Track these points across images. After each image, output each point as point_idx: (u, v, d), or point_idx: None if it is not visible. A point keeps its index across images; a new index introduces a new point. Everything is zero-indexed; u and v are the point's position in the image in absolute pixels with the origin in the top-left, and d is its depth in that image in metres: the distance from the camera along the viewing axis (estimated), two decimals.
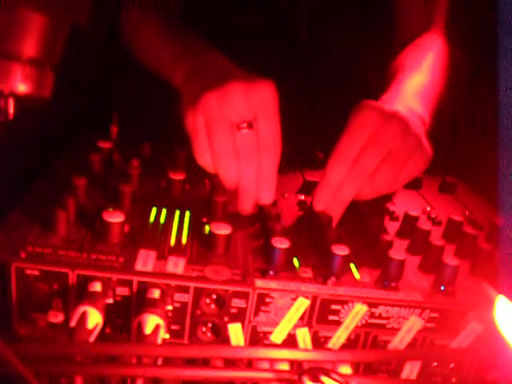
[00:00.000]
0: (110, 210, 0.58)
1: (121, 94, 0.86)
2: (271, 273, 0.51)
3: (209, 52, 0.70)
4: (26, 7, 0.33)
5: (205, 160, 0.59)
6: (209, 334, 0.51)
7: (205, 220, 0.60)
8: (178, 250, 0.54)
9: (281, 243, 0.52)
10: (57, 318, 0.48)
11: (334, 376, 0.41)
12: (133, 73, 0.85)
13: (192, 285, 0.49)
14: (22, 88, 0.36)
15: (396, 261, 0.53)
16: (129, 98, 0.87)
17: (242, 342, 0.51)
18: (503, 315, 0.46)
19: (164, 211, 0.61)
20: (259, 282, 0.50)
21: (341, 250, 0.53)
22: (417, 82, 0.76)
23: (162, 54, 0.76)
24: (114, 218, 0.53)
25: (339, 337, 0.52)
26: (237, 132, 0.56)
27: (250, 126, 0.56)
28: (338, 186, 0.59)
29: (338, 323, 0.51)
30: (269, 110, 0.57)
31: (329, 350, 0.51)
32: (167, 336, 0.47)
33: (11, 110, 0.41)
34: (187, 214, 0.61)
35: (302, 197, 0.69)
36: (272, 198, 0.60)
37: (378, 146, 0.59)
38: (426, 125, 0.68)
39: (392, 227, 0.66)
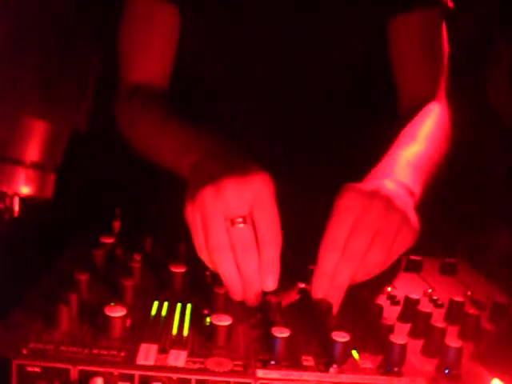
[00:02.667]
0: (112, 304, 0.59)
1: (122, 189, 0.89)
2: (272, 362, 0.51)
3: (212, 141, 0.71)
4: (29, 115, 0.36)
5: (204, 255, 0.60)
6: None
7: (206, 312, 0.60)
8: (180, 342, 0.54)
9: (281, 332, 0.53)
10: None
11: None
12: (133, 167, 0.88)
13: (193, 377, 0.49)
14: (25, 190, 0.38)
15: (397, 345, 0.53)
16: (130, 193, 0.89)
17: None
18: None
19: (166, 304, 0.62)
20: (260, 373, 0.50)
21: (341, 337, 0.53)
22: (409, 153, 0.76)
23: (165, 147, 0.78)
24: (116, 312, 0.53)
25: None
26: (231, 227, 0.57)
27: (244, 220, 0.58)
28: (333, 273, 0.60)
29: None
30: (263, 203, 0.59)
31: None
32: None
33: (16, 208, 0.43)
34: (189, 306, 0.62)
35: (303, 285, 0.70)
36: (275, 285, 0.61)
37: (365, 228, 0.60)
38: (414, 195, 0.69)
39: (393, 311, 0.66)
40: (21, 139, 0.37)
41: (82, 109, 0.40)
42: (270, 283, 0.60)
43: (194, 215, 0.60)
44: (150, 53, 0.88)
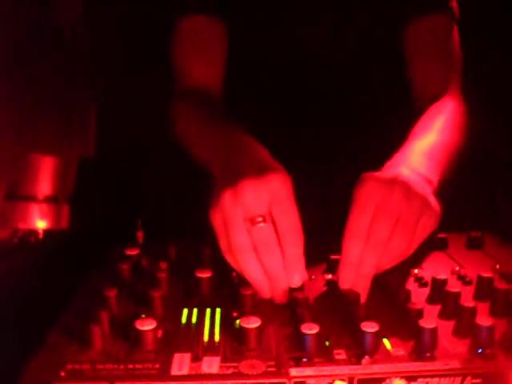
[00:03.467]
0: (143, 316, 0.60)
1: (141, 198, 0.90)
2: (305, 360, 0.52)
3: (241, 142, 0.72)
4: (37, 152, 0.37)
5: (229, 257, 0.61)
6: None
7: (235, 315, 0.61)
8: (212, 348, 0.54)
9: (311, 329, 0.53)
10: None
11: None
12: (150, 174, 0.90)
13: (228, 382, 0.49)
14: (41, 225, 0.39)
15: (428, 330, 0.53)
16: (149, 202, 0.90)
17: None
18: None
19: (195, 311, 0.62)
20: (294, 371, 0.50)
21: (371, 327, 0.53)
22: (424, 144, 0.77)
23: (200, 148, 0.79)
24: (147, 325, 0.54)
25: None
26: (252, 227, 0.58)
27: (264, 219, 0.58)
28: (359, 262, 0.60)
29: None
30: (282, 201, 0.59)
31: None
32: None
33: (40, 231, 0.44)
34: (218, 310, 0.63)
35: (329, 276, 0.70)
36: (302, 281, 0.61)
37: (387, 215, 0.60)
38: (432, 183, 0.69)
39: (422, 294, 0.65)
40: (31, 175, 0.38)
41: (87, 137, 0.41)
42: (297, 280, 0.60)
43: (217, 219, 0.61)
44: (205, 61, 0.95)
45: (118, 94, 0.87)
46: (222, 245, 0.61)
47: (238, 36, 0.94)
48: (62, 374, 0.50)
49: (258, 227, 0.58)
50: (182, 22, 0.95)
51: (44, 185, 0.39)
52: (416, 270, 0.72)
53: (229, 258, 0.62)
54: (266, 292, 0.61)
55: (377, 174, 0.64)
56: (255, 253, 0.59)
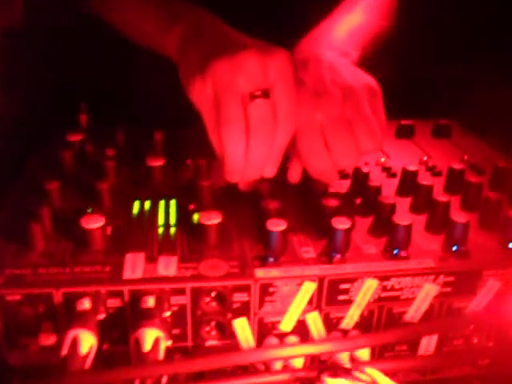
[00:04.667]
0: (90, 210, 0.54)
1: (85, 79, 0.80)
2: (271, 259, 0.48)
3: (204, 14, 0.62)
4: None
5: (214, 135, 0.53)
6: (213, 333, 0.47)
7: (192, 207, 0.56)
8: (168, 246, 0.50)
9: (277, 225, 0.49)
10: (48, 340, 0.45)
11: (356, 374, 0.38)
12: (96, 53, 0.79)
13: (188, 285, 0.45)
14: None
15: (403, 226, 0.50)
16: (95, 82, 0.80)
17: (249, 337, 0.47)
18: None
19: (147, 203, 0.57)
20: (260, 272, 0.46)
21: (342, 223, 0.49)
22: (346, 21, 0.72)
23: (148, 19, 0.68)
24: (94, 222, 0.49)
25: (352, 316, 0.48)
26: (250, 102, 0.50)
27: (266, 95, 0.50)
28: (323, 151, 0.54)
29: (349, 302, 0.48)
30: (286, 79, 0.51)
31: (343, 338, 0.48)
32: (169, 343, 0.44)
33: None
34: (172, 202, 0.57)
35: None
36: (275, 172, 0.54)
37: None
38: (349, 55, 0.64)
39: (391, 185, 0.62)
40: None
41: (15, 8, 0.33)
42: (272, 169, 0.54)
43: (204, 92, 0.51)
44: None
45: None
46: (209, 122, 0.53)
47: None
48: (1, 280, 0.44)
49: (258, 102, 0.50)
50: None
51: None
52: (383, 159, 0.67)
53: (213, 137, 0.53)
54: (236, 175, 0.54)
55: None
56: (245, 128, 0.52)
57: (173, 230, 0.52)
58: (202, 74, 0.51)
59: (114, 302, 0.45)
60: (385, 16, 0.80)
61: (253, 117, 0.50)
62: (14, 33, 0.32)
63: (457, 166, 0.62)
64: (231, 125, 0.49)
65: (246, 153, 0.50)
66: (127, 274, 0.45)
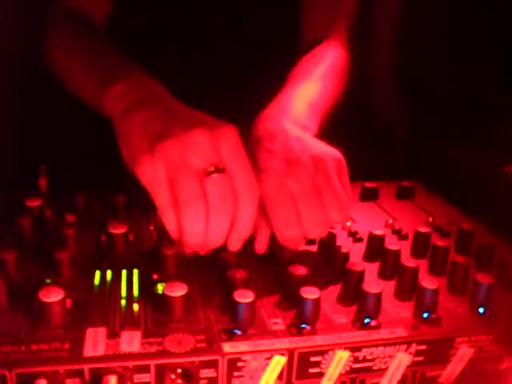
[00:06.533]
0: (48, 281, 0.52)
1: (44, 144, 0.78)
2: (239, 332, 0.46)
3: (144, 76, 0.62)
4: None
5: (169, 214, 0.51)
6: None
7: (156, 277, 0.54)
8: (131, 320, 0.47)
9: (245, 297, 0.47)
10: None
11: None
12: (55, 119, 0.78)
13: (152, 362, 0.43)
14: None
15: (373, 295, 0.49)
16: (53, 147, 0.79)
17: None
18: None
19: (109, 273, 0.55)
20: (227, 347, 0.44)
21: (311, 293, 0.48)
22: (302, 91, 0.72)
23: (88, 76, 0.67)
24: (53, 295, 0.46)
25: None
26: (206, 178, 0.49)
27: (220, 170, 0.49)
28: (294, 220, 0.53)
29: (321, 375, 0.46)
30: (238, 153, 0.50)
31: None
32: None
33: None
34: (135, 272, 0.55)
35: None
36: (240, 246, 0.53)
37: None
38: (309, 129, 0.64)
39: (358, 249, 0.61)
40: None
41: None
42: (238, 243, 0.52)
43: (155, 172, 0.50)
44: None
45: None
46: (161, 200, 0.51)
47: None
48: None
49: (213, 177, 0.49)
50: None
51: None
52: (348, 223, 0.67)
53: (168, 215, 0.52)
54: (195, 248, 0.53)
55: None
56: (205, 205, 0.50)
57: (136, 303, 0.50)
58: (151, 153, 0.50)
59: (73, 382, 0.42)
60: (340, 80, 0.82)
61: (211, 192, 0.49)
62: None
63: (423, 229, 0.62)
64: (190, 205, 0.48)
65: (206, 228, 0.49)
66: (88, 351, 0.43)
